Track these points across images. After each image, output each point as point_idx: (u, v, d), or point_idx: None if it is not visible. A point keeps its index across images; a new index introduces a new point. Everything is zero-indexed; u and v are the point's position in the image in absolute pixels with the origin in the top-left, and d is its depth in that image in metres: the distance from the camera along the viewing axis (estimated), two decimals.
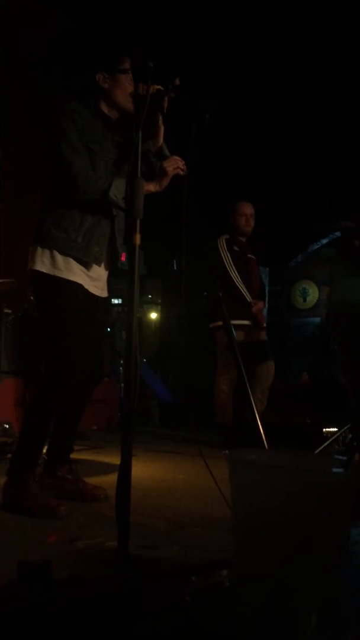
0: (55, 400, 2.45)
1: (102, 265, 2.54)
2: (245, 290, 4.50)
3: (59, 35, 5.29)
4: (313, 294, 8.89)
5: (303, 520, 0.81)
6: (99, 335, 2.67)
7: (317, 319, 8.63)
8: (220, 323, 4.45)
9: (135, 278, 1.56)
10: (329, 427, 4.67)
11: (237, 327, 4.04)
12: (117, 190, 2.33)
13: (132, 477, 2.49)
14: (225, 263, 4.49)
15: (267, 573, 0.82)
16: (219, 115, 2.24)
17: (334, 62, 5.28)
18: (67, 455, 2.69)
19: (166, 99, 2.29)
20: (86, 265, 2.44)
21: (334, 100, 5.76)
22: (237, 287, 4.48)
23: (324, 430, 4.73)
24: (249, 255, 4.73)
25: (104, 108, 2.53)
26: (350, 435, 4.26)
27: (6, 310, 4.94)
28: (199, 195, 2.41)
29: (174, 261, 7.83)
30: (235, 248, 4.61)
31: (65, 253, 2.39)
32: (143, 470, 3.43)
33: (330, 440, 4.06)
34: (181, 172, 2.42)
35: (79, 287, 2.44)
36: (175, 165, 2.43)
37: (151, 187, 2.43)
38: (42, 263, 2.40)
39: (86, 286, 2.47)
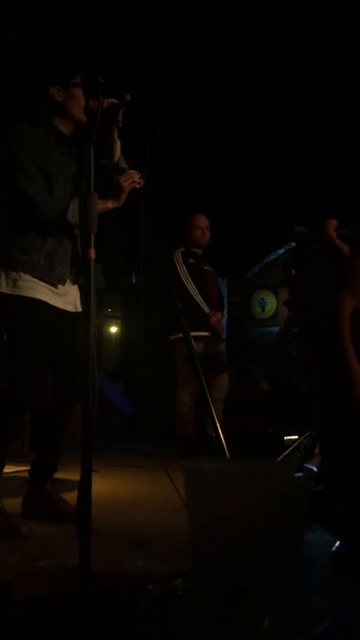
0: (11, 418, 2.43)
1: (68, 282, 2.55)
2: (202, 301, 4.54)
3: (6, 48, 5.26)
4: (271, 303, 9.00)
5: (258, 527, 0.82)
6: (72, 349, 2.60)
7: (276, 328, 8.73)
8: (179, 335, 4.48)
9: (90, 292, 1.56)
10: (290, 435, 4.72)
11: (196, 338, 4.06)
12: (75, 211, 2.32)
13: (95, 492, 2.47)
14: (182, 275, 4.51)
15: (222, 581, 0.83)
16: (169, 125, 2.26)
17: (280, 74, 5.39)
18: (50, 474, 2.66)
19: (121, 112, 2.31)
20: (52, 285, 2.46)
21: (282, 111, 5.88)
22: (194, 298, 4.51)
23: (285, 438, 4.78)
24: (206, 267, 4.76)
25: (58, 122, 2.53)
26: (310, 442, 4.32)
27: None
28: (155, 208, 2.43)
29: (133, 274, 7.84)
30: (191, 260, 4.64)
31: (27, 273, 2.41)
32: (105, 485, 3.41)
33: (292, 448, 4.10)
34: (137, 186, 2.43)
35: (43, 304, 2.43)
36: (131, 179, 2.45)
37: (109, 204, 2.46)
38: (5, 284, 2.41)
39: (52, 302, 2.47)
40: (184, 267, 4.56)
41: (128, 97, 2.21)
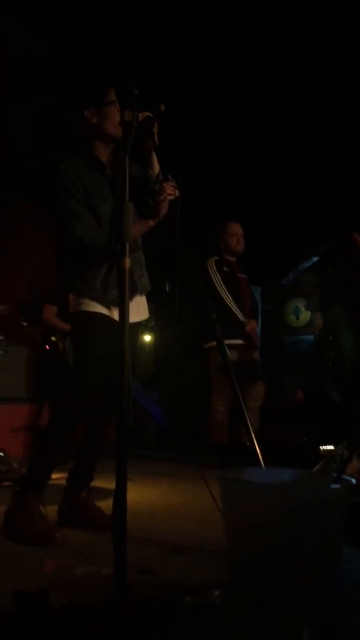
0: (68, 424, 2.49)
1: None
2: (237, 309, 4.52)
3: (33, 59, 5.36)
4: (305, 311, 8.92)
5: (296, 537, 0.81)
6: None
7: (311, 337, 8.64)
8: (214, 343, 4.47)
9: (125, 301, 1.57)
10: (326, 445, 4.66)
11: (231, 346, 4.04)
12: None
13: (129, 501, 2.47)
14: (216, 284, 4.51)
15: (257, 591, 0.82)
16: (204, 135, 2.27)
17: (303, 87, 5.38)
18: (87, 482, 2.70)
19: (156, 125, 2.33)
20: (107, 307, 2.56)
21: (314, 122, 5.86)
22: (229, 306, 4.49)
23: (321, 448, 4.71)
24: (240, 275, 4.75)
25: (97, 146, 2.57)
26: (347, 452, 4.25)
27: None
28: (187, 216, 2.44)
29: (166, 282, 7.85)
30: (225, 268, 4.64)
31: (92, 299, 2.56)
32: (140, 494, 3.41)
33: (328, 458, 4.05)
34: (172, 197, 2.44)
35: (103, 316, 2.54)
36: (167, 193, 2.45)
37: (151, 223, 2.48)
38: (72, 306, 2.60)
39: (112, 315, 2.54)
40: (219, 275, 4.55)
41: (162, 107, 2.22)
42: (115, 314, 2.51)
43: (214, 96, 5.42)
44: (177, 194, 2.43)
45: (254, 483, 0.96)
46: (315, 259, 8.48)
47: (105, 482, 2.73)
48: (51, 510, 2.56)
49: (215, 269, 4.57)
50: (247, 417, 2.45)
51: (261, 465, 2.16)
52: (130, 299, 2.60)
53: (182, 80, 5.22)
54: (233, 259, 4.73)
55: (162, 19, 4.80)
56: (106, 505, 2.43)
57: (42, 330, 5.41)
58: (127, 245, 1.59)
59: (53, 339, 5.22)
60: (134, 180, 2.58)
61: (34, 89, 5.48)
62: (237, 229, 4.72)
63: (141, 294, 2.72)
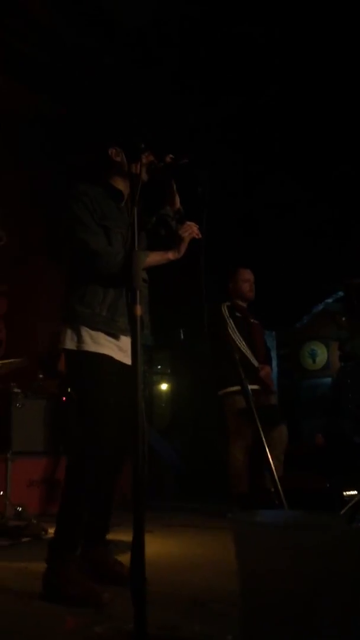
0: (88, 476, 2.36)
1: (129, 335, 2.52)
2: (251, 354, 4.50)
3: (49, 120, 5.54)
4: (322, 354, 8.87)
5: (309, 582, 0.78)
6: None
7: (328, 379, 8.56)
8: (228, 389, 4.44)
9: (138, 349, 1.57)
10: (349, 490, 4.56)
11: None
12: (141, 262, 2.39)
13: (150, 554, 2.41)
14: (229, 329, 4.51)
15: (271, 636, 0.79)
16: (213, 182, 2.32)
17: (317, 130, 5.48)
18: (103, 536, 2.59)
19: (178, 167, 2.41)
20: (114, 337, 2.44)
21: (324, 165, 5.95)
22: (243, 352, 4.48)
23: (345, 493, 4.61)
24: (252, 320, 4.75)
25: (117, 181, 2.57)
26: None
27: (16, 390, 4.95)
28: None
29: (181, 330, 7.88)
30: (237, 314, 4.64)
31: (92, 327, 2.40)
32: (160, 546, 3.34)
33: (352, 503, 3.95)
34: (196, 237, 2.47)
35: (108, 358, 2.41)
36: (190, 231, 2.47)
37: (170, 255, 2.48)
38: (70, 340, 2.41)
39: (117, 357, 2.44)
40: (231, 321, 4.56)
41: (186, 160, 2.35)
42: (120, 352, 2.45)
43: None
44: (200, 236, 2.45)
45: (266, 524, 0.94)
46: (329, 300, 8.49)
47: (125, 535, 2.67)
48: None
49: (227, 314, 4.58)
50: (271, 462, 2.39)
51: (285, 508, 2.11)
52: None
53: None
54: (244, 305, 4.75)
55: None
56: (127, 559, 2.37)
57: (58, 381, 5.42)
58: (138, 292, 1.60)
59: (70, 390, 5.23)
60: (154, 219, 2.64)
61: (51, 150, 5.68)
62: (248, 275, 4.75)
63: (145, 330, 2.60)
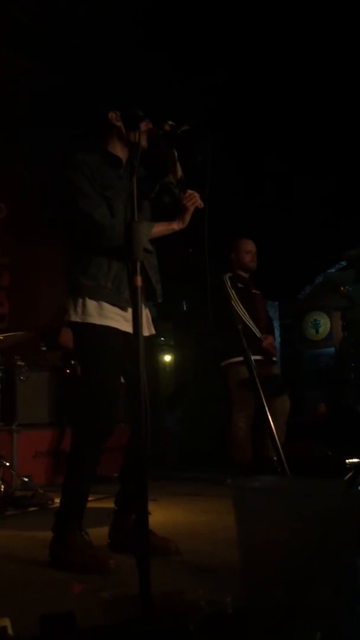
0: (91, 447, 2.37)
1: None
2: (254, 325, 4.51)
3: (47, 91, 5.46)
4: (325, 324, 8.87)
5: (309, 546, 0.79)
6: (151, 370, 2.62)
7: (331, 349, 8.58)
8: (232, 360, 4.45)
9: (138, 320, 1.58)
10: (351, 458, 4.60)
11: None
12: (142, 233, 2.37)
13: (155, 522, 2.46)
14: (232, 300, 4.50)
15: (272, 601, 0.81)
16: (215, 153, 2.29)
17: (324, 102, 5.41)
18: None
19: (179, 133, 2.36)
20: (121, 308, 2.41)
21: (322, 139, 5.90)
22: (246, 322, 4.48)
23: (347, 461, 4.66)
24: (254, 291, 4.75)
25: (116, 147, 2.51)
26: None
27: (19, 363, 4.98)
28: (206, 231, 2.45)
29: (183, 302, 7.87)
30: (240, 285, 4.63)
31: (97, 299, 2.38)
32: (165, 514, 3.39)
33: (355, 470, 3.99)
34: (200, 206, 2.44)
35: (113, 331, 2.39)
36: (193, 200, 2.44)
37: (174, 226, 2.45)
38: (75, 313, 2.39)
39: (123, 328, 2.41)
40: (234, 291, 4.55)
41: (186, 126, 2.32)
42: (126, 323, 2.40)
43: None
44: (203, 205, 2.41)
45: (265, 489, 0.96)
46: (331, 270, 8.46)
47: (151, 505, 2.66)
48: (96, 534, 2.45)
49: (230, 285, 4.57)
50: (273, 430, 2.41)
51: (287, 474, 2.13)
52: (144, 305, 2.45)
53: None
54: (246, 275, 4.74)
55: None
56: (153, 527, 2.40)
57: (61, 354, 5.45)
58: (139, 263, 1.60)
59: (72, 362, 5.25)
60: (157, 187, 2.60)
61: (49, 121, 5.60)
62: (250, 246, 4.72)
63: (159, 299, 2.59)
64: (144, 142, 2.36)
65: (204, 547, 2.59)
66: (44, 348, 5.52)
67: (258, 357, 4.47)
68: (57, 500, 3.81)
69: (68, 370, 5.32)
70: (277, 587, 0.81)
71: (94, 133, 2.54)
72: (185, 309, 7.92)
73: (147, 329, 2.58)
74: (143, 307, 2.51)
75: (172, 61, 5.07)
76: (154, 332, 2.64)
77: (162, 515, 3.31)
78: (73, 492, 2.37)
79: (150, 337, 2.60)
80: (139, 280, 1.58)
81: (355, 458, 4.49)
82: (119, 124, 2.45)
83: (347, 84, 5.16)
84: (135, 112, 1.93)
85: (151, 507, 2.37)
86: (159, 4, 4.47)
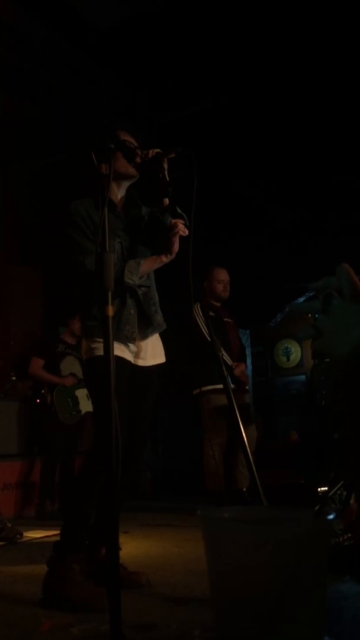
0: (98, 476, 2.24)
1: (140, 340, 2.57)
2: (225, 353, 4.52)
3: (25, 122, 5.48)
4: (296, 352, 8.95)
5: (277, 574, 0.79)
6: (145, 409, 2.62)
7: (302, 377, 8.65)
8: (206, 387, 4.44)
9: (109, 348, 1.58)
10: (323, 486, 4.62)
11: (221, 390, 4.04)
12: (131, 273, 2.42)
13: (126, 554, 2.43)
14: (202, 328, 4.52)
15: (243, 631, 0.80)
16: (186, 182, 2.31)
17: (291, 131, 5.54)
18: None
19: (165, 161, 2.39)
20: (122, 344, 2.49)
21: (295, 168, 6.02)
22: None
23: (319, 489, 4.67)
24: (226, 319, 4.77)
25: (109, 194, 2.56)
26: (345, 492, 4.20)
27: None
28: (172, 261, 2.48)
29: None
30: (211, 313, 4.66)
31: (100, 337, 2.36)
32: (137, 547, 3.34)
33: (326, 498, 4.00)
34: (183, 234, 2.46)
35: (118, 359, 2.37)
36: (176, 230, 2.46)
37: (163, 259, 2.49)
38: (86, 352, 2.51)
39: (126, 357, 2.49)
40: (204, 320, 4.57)
41: (180, 149, 2.34)
42: (133, 349, 2.52)
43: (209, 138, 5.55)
44: (187, 232, 2.44)
45: (233, 520, 0.96)
46: (301, 299, 8.56)
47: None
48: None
49: (201, 313, 4.59)
50: (250, 459, 2.40)
51: (264, 504, 2.12)
52: (145, 337, 2.58)
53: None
54: (218, 304, 4.77)
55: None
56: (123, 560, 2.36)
57: (32, 383, 5.39)
58: (110, 293, 1.61)
59: (43, 392, 5.20)
60: (146, 218, 2.62)
61: (28, 153, 5.62)
62: (223, 275, 4.75)
63: (158, 330, 2.65)
64: (134, 171, 2.48)
65: (176, 578, 2.55)
66: (14, 377, 5.45)
67: (230, 386, 4.48)
68: (27, 534, 3.76)
69: (38, 400, 5.26)
70: (247, 617, 0.81)
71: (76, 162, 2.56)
72: None
73: (154, 357, 2.64)
74: (156, 337, 2.65)
75: (145, 93, 5.17)
76: (163, 359, 2.70)
77: (134, 548, 3.27)
78: (75, 522, 2.31)
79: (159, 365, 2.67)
80: (110, 310, 1.58)
81: (326, 486, 4.50)
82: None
83: (317, 114, 5.30)
84: (106, 144, 1.95)
85: (123, 539, 2.36)
86: (131, 33, 4.55)
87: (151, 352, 2.62)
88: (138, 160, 2.48)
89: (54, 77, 4.84)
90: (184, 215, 2.48)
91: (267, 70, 4.88)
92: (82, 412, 5.09)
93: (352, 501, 3.63)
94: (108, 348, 1.52)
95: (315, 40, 4.52)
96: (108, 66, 4.90)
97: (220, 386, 4.15)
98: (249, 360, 8.28)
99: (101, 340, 2.34)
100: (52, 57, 4.69)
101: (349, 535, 2.00)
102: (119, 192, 2.61)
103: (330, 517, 0.90)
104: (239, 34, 4.56)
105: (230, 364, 4.51)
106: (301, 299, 8.53)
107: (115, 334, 2.38)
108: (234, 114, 5.40)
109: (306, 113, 5.31)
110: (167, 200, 2.55)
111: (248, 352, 8.29)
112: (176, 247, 2.46)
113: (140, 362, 2.57)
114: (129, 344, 2.51)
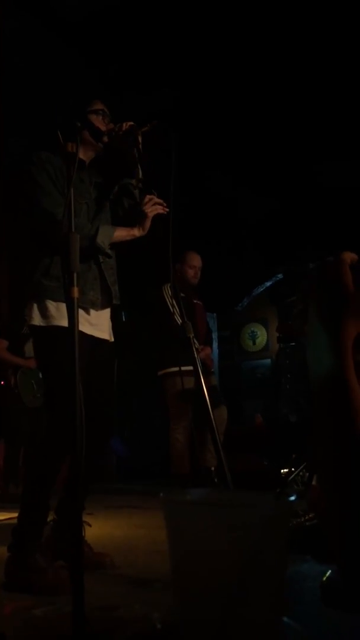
0: (58, 458, 2.23)
1: (100, 308, 2.45)
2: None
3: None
4: (262, 336, 9.03)
5: (239, 558, 0.80)
6: (109, 380, 2.51)
7: (268, 361, 8.74)
8: (169, 369, 4.45)
9: (74, 332, 1.56)
10: (286, 469, 4.68)
11: (187, 372, 4.05)
12: (104, 236, 2.33)
13: (91, 536, 2.42)
14: (171, 309, 4.52)
15: (204, 614, 0.81)
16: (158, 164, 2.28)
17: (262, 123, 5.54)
18: None
19: (139, 133, 2.34)
20: (84, 309, 2.35)
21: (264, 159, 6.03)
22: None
23: (282, 471, 4.73)
24: (195, 301, 4.77)
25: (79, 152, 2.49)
26: (307, 474, 4.28)
27: None
28: (144, 241, 2.44)
29: (122, 312, 7.82)
30: (181, 294, 4.65)
31: (59, 300, 2.28)
32: (102, 528, 3.34)
33: (288, 480, 4.06)
34: (162, 212, 2.40)
35: (81, 334, 2.33)
36: (154, 207, 2.41)
37: (135, 232, 2.42)
38: (37, 316, 2.32)
39: (87, 331, 2.35)
40: (173, 301, 4.57)
41: (154, 122, 2.30)
42: (90, 326, 2.37)
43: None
44: (165, 210, 2.39)
45: (195, 503, 0.96)
46: (268, 283, 8.62)
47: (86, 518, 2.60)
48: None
49: (170, 294, 4.58)
50: (218, 441, 2.40)
51: (230, 487, 2.14)
52: (105, 307, 2.47)
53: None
54: (188, 287, 4.76)
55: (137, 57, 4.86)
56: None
57: None
58: (75, 275, 1.58)
59: (8, 373, 5.14)
60: (117, 188, 2.56)
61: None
62: (196, 261, 4.70)
63: (115, 302, 2.52)
64: (105, 139, 2.40)
65: (140, 560, 2.57)
66: None
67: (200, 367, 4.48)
68: (1, 516, 3.73)
69: (2, 382, 5.20)
70: (209, 601, 0.81)
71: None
72: (124, 319, 7.87)
73: (109, 334, 2.55)
74: (107, 311, 2.52)
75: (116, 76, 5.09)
76: (112, 339, 2.58)
77: (98, 529, 3.27)
78: (35, 507, 2.25)
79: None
80: (75, 292, 1.56)
81: (289, 468, 4.57)
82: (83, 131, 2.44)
83: (292, 102, 5.30)
84: (73, 122, 1.92)
85: (88, 520, 2.35)
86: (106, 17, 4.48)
87: (107, 326, 2.53)
88: (105, 139, 2.44)
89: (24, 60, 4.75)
90: (155, 192, 2.43)
91: (240, 59, 4.85)
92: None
93: (314, 482, 3.70)
94: (73, 334, 1.50)
95: (283, 26, 4.51)
96: (79, 53, 4.81)
97: (186, 368, 4.17)
98: (215, 344, 8.33)
99: (59, 307, 2.25)
100: (21, 40, 4.59)
101: (311, 515, 2.03)
102: (85, 156, 2.53)
103: (292, 498, 0.91)
104: (209, 23, 4.52)
105: (196, 346, 4.52)
106: (268, 283, 8.60)
107: (80, 298, 2.30)
108: (202, 104, 5.37)
109: (276, 101, 5.32)
110: (140, 174, 2.49)
111: (215, 336, 8.33)
112: (149, 223, 2.40)
113: (98, 334, 2.45)
114: (90, 312, 2.38)
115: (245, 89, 5.17)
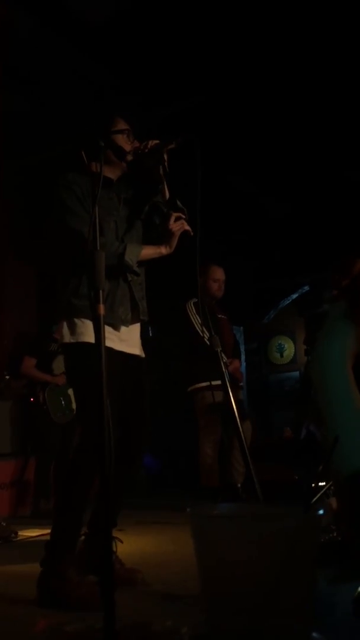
0: (91, 473, 2.21)
1: (130, 325, 2.46)
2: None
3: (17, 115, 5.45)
4: (289, 348, 8.97)
5: (266, 570, 0.80)
6: (142, 395, 2.50)
7: (296, 373, 8.68)
8: (199, 385, 4.45)
9: (102, 348, 1.57)
10: (318, 482, 4.62)
11: (217, 387, 4.04)
12: (132, 254, 2.34)
13: (122, 552, 2.42)
14: (196, 326, 4.51)
15: (233, 625, 0.81)
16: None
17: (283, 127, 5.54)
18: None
19: (166, 151, 2.35)
20: (113, 327, 2.37)
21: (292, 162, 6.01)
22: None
23: (313, 485, 4.67)
24: (219, 316, 4.77)
25: (105, 169, 2.37)
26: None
27: None
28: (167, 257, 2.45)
29: (149, 327, 7.86)
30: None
31: (87, 318, 2.30)
32: (132, 545, 3.33)
33: (319, 494, 4.01)
34: (188, 229, 2.40)
35: (107, 349, 2.33)
36: (180, 225, 2.41)
37: (162, 250, 2.43)
38: (66, 334, 2.34)
39: (117, 347, 2.36)
40: (198, 317, 4.57)
41: (180, 140, 2.28)
42: (120, 342, 2.39)
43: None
44: (191, 230, 2.39)
45: (222, 517, 0.96)
46: (294, 296, 8.58)
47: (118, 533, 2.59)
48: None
49: (194, 310, 4.58)
50: (247, 454, 2.38)
51: (260, 500, 2.12)
52: (133, 323, 2.46)
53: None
54: (212, 301, 4.76)
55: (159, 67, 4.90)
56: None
57: (26, 382, 5.38)
58: (102, 292, 1.60)
59: (37, 390, 5.20)
60: (147, 208, 2.56)
61: (18, 149, 5.58)
62: (219, 274, 4.67)
63: (144, 317, 2.52)
64: (129, 157, 2.41)
65: (171, 576, 2.55)
66: (7, 376, 5.44)
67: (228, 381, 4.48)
68: (22, 533, 3.76)
69: (32, 399, 5.25)
70: (238, 613, 0.81)
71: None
72: (151, 334, 7.90)
73: (139, 349, 2.55)
74: (136, 327, 2.53)
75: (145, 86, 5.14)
76: (143, 354, 2.58)
77: (129, 546, 3.25)
78: (69, 521, 2.25)
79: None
80: (101, 309, 1.58)
81: (321, 482, 4.50)
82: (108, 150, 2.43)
83: (311, 108, 5.29)
84: (96, 142, 1.94)
85: (119, 536, 2.35)
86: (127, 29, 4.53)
87: (137, 341, 2.53)
88: (129, 158, 2.45)
89: (44, 71, 4.82)
90: (185, 209, 2.43)
91: (262, 66, 4.86)
92: (75, 411, 5.09)
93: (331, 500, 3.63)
94: (100, 351, 1.52)
95: (306, 33, 4.52)
96: (99, 61, 4.87)
97: (214, 383, 4.16)
98: (242, 357, 8.29)
99: (88, 322, 2.26)
100: (41, 51, 4.66)
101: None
102: (114, 175, 2.53)
103: (321, 512, 0.90)
104: (231, 27, 4.54)
105: (224, 360, 4.51)
106: (294, 296, 8.55)
107: (108, 316, 2.27)
108: (227, 109, 5.38)
109: (296, 107, 5.32)
110: (167, 192, 2.49)
111: (242, 348, 8.30)
112: (175, 242, 2.41)
113: (129, 350, 2.45)
114: (119, 329, 2.38)
115: (273, 95, 5.16)
